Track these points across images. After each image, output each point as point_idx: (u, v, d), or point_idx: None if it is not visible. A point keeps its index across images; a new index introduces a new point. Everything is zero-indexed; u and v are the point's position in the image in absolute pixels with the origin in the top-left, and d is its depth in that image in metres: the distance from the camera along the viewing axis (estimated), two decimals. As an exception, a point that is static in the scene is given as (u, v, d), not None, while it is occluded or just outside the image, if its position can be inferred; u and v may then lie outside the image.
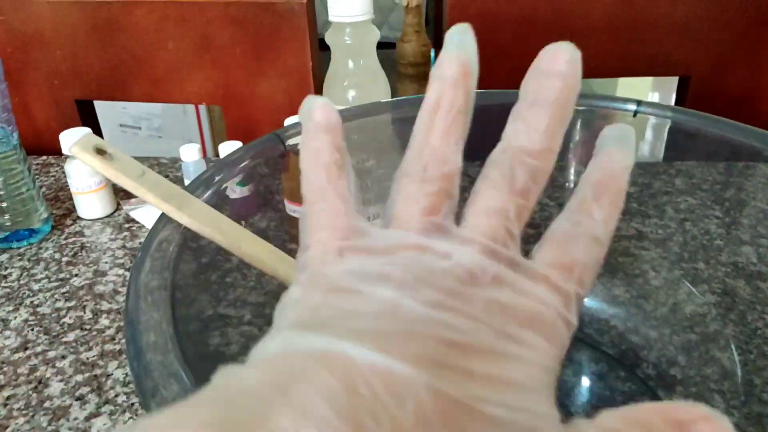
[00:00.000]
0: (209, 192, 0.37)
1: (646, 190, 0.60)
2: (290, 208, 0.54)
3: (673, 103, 0.89)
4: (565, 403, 0.38)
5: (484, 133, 0.58)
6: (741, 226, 0.54)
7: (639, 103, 0.44)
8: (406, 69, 1.48)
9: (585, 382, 0.40)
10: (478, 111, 0.56)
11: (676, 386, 0.39)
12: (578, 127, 0.51)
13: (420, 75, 1.48)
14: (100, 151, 0.30)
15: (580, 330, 0.45)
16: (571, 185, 0.60)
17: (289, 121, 0.53)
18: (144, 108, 1.28)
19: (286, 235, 0.57)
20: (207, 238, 0.33)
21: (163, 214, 0.32)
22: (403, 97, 0.50)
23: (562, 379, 0.40)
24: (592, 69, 0.77)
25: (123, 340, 0.44)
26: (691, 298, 0.47)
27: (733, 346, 0.42)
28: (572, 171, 0.59)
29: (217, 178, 0.38)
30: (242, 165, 0.42)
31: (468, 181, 0.71)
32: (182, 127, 1.29)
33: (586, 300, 0.48)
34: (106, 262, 0.53)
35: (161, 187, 0.31)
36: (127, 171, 0.30)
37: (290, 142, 0.44)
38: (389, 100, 0.49)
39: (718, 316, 0.45)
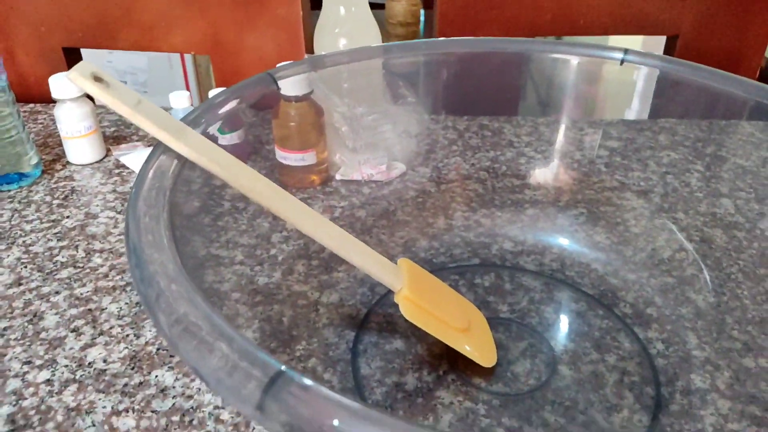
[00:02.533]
0: (198, 131, 0.37)
1: (630, 144, 0.61)
2: (280, 155, 0.54)
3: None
4: (545, 336, 0.39)
5: (473, 83, 0.58)
6: (721, 180, 0.56)
7: (626, 51, 0.45)
8: (395, 29, 1.47)
9: (564, 319, 0.42)
10: (469, 59, 0.56)
11: (652, 324, 0.41)
12: (567, 78, 0.51)
13: (409, 35, 1.47)
14: (98, 79, 0.30)
15: (561, 272, 0.46)
16: (560, 137, 0.61)
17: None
18: (129, 62, 1.26)
19: (277, 183, 0.58)
20: (203, 171, 0.33)
21: (155, 150, 0.33)
22: (394, 42, 0.50)
23: (544, 315, 0.41)
24: (582, 27, 0.78)
25: (117, 277, 0.45)
26: (669, 245, 0.49)
27: (708, 289, 0.43)
28: (562, 125, 0.60)
29: (205, 119, 0.38)
30: (233, 106, 0.42)
31: (456, 133, 0.71)
32: (168, 81, 1.28)
33: (567, 243, 0.49)
34: (97, 205, 0.53)
35: (158, 116, 0.31)
36: (124, 99, 0.30)
37: (282, 82, 0.45)
38: (379, 45, 0.50)
39: (695, 262, 0.47)
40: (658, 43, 0.86)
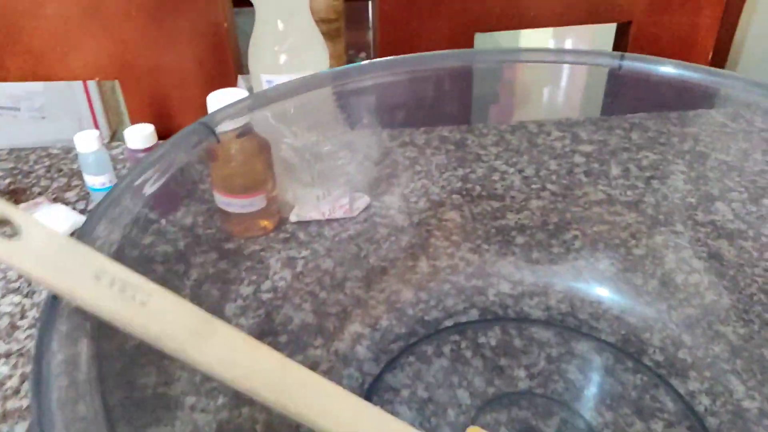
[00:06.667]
0: (130, 198, 0.29)
1: (604, 147, 0.56)
2: (222, 201, 0.45)
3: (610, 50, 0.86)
4: (576, 408, 0.33)
5: (432, 95, 0.51)
6: (708, 180, 0.51)
7: (623, 56, 0.39)
8: (317, 26, 1.38)
9: (592, 379, 0.36)
10: (432, 73, 0.49)
11: (689, 371, 0.36)
12: (557, 84, 0.45)
13: (332, 32, 1.38)
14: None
15: (572, 316, 0.40)
16: (529, 145, 0.56)
17: (211, 100, 0.44)
18: (23, 86, 1.11)
19: (219, 234, 0.49)
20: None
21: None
22: (351, 65, 0.42)
23: (568, 378, 0.35)
24: (530, 19, 0.72)
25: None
26: (679, 266, 0.44)
27: (734, 318, 0.38)
28: (527, 130, 0.54)
29: (138, 182, 0.30)
30: (167, 167, 0.33)
31: (416, 150, 0.62)
32: (68, 104, 1.13)
33: (569, 278, 0.43)
34: (-3, 288, 0.43)
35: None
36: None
37: (220, 129, 0.36)
38: (332, 69, 0.42)
39: (711, 285, 0.42)
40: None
